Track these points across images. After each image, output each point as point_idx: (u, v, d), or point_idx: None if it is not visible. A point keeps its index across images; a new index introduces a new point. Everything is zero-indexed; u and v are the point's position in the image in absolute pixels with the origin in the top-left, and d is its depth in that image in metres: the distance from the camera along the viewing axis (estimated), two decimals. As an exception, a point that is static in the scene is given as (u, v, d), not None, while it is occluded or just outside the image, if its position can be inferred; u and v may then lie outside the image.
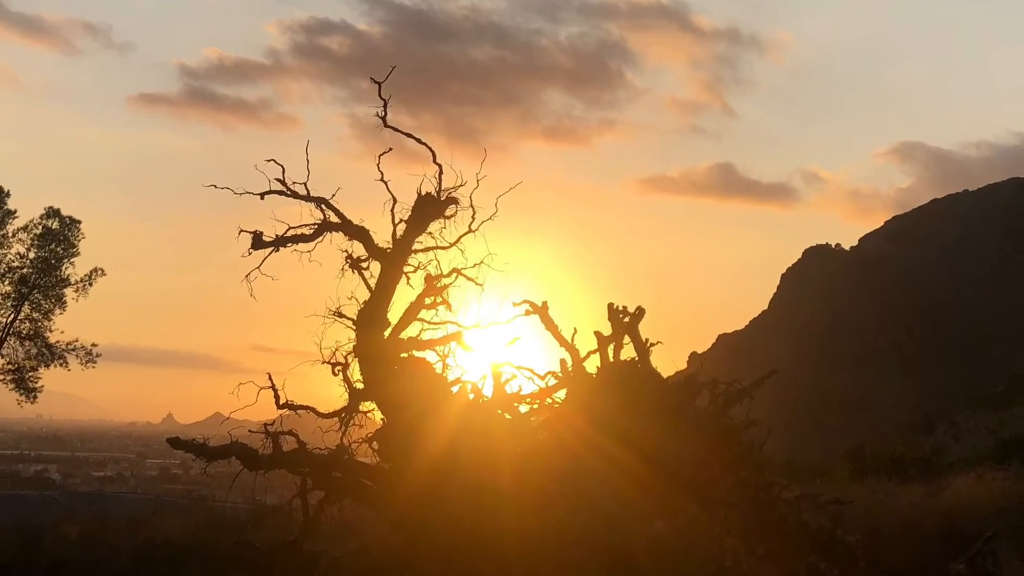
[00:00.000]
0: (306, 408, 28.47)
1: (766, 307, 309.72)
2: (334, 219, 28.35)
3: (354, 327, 27.86)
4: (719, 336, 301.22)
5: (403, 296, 28.67)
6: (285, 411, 28.03)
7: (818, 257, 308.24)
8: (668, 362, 32.71)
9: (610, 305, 31.25)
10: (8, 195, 66.90)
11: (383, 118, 28.40)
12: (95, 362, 68.08)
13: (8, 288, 66.43)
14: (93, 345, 67.63)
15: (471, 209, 28.64)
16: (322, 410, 28.60)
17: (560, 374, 30.10)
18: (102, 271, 68.83)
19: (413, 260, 28.59)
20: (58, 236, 67.27)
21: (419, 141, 28.61)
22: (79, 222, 68.25)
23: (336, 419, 28.49)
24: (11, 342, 66.00)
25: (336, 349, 28.01)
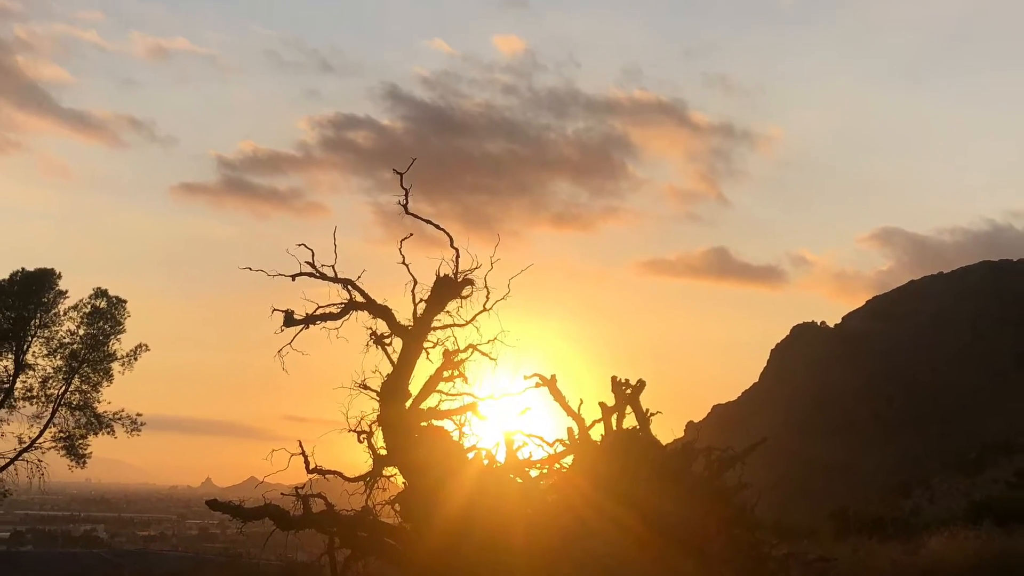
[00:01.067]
0: (334, 473, 28.49)
1: (757, 380, 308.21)
2: (359, 299, 28.55)
3: (378, 398, 28.00)
4: (714, 406, 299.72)
5: (423, 370, 28.83)
6: (314, 475, 28.17)
7: (805, 334, 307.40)
8: (667, 430, 32.75)
9: (613, 378, 31.42)
10: (59, 277, 67.27)
11: (404, 206, 28.70)
12: (140, 430, 67.91)
13: (60, 362, 66.50)
14: (138, 415, 67.59)
15: (485, 289, 28.87)
16: (348, 475, 28.60)
17: (567, 441, 30.24)
18: (146, 346, 69.00)
19: (432, 336, 28.73)
20: (106, 314, 67.42)
21: (437, 227, 28.97)
22: (125, 301, 68.42)
23: (361, 483, 28.51)
24: (63, 412, 65.85)
25: (361, 418, 28.14)
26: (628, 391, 31.11)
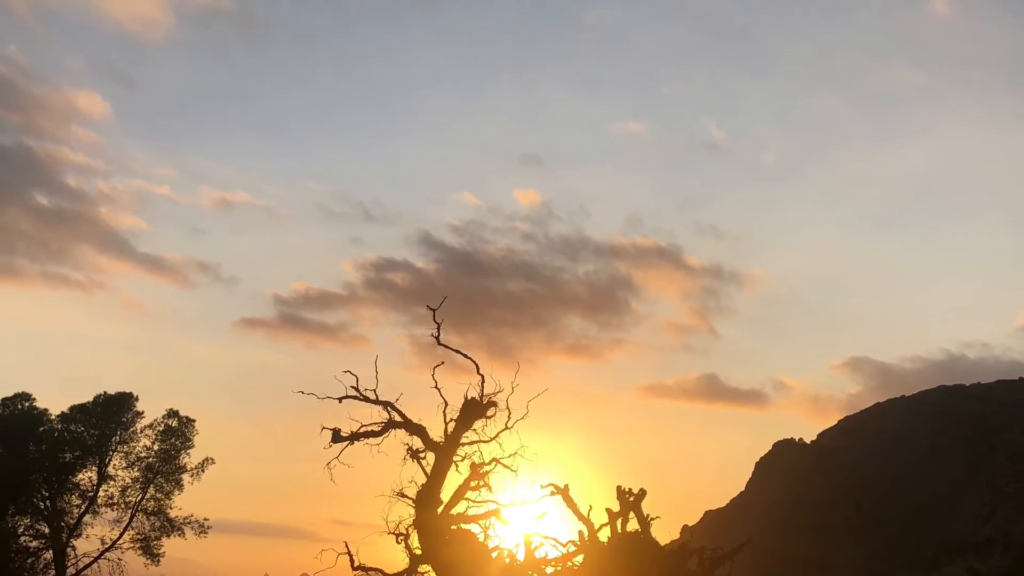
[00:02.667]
0: (375, 570, 28.11)
1: (743, 488, 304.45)
2: (398, 419, 28.67)
3: (413, 505, 27.90)
4: (705, 512, 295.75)
5: (453, 480, 28.88)
6: (358, 573, 27.83)
7: (785, 449, 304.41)
8: (665, 533, 32.51)
9: (618, 487, 31.33)
10: (137, 399, 67.78)
11: (437, 338, 28.97)
12: (207, 533, 67.80)
13: (137, 474, 66.59)
14: (205, 519, 67.62)
15: (507, 410, 29.02)
16: (388, 571, 28.33)
17: (578, 543, 30.05)
18: (212, 460, 69.11)
19: (461, 451, 28.81)
20: (177, 432, 67.94)
21: (465, 356, 29.19)
22: (194, 421, 68.94)
23: (399, 579, 28.34)
24: (140, 517, 66.00)
25: (399, 522, 28.02)
26: (631, 499, 31.00)
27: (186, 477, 67.90)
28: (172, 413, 68.62)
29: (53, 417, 66.37)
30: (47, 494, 64.97)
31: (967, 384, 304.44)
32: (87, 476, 66.27)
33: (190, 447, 68.10)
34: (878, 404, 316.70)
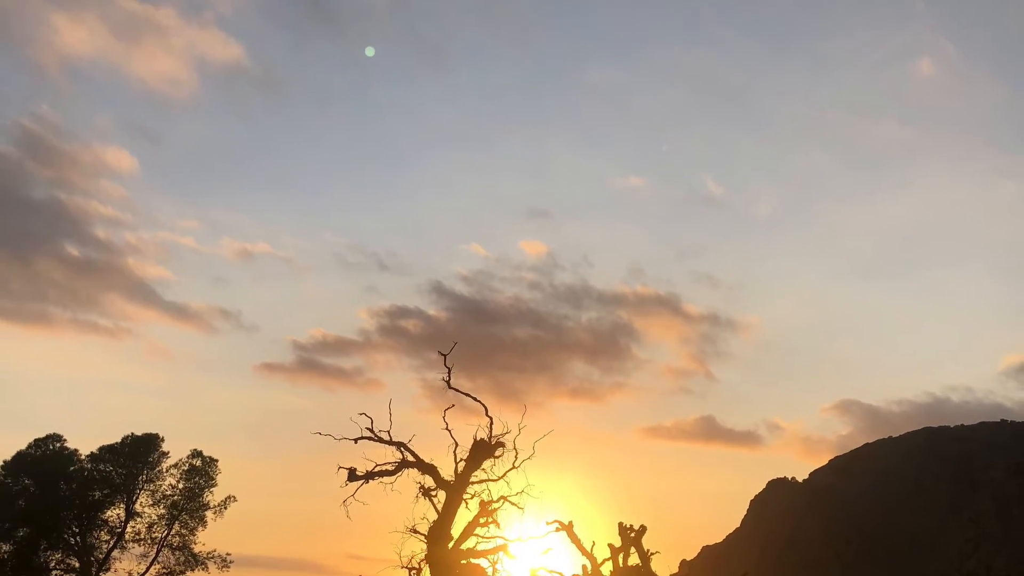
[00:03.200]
0: None
1: (739, 525, 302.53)
2: (410, 458, 28.67)
3: (426, 541, 27.71)
4: (703, 547, 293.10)
5: (463, 517, 28.67)
6: (373, 604, 27.50)
7: (778, 487, 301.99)
8: (665, 567, 32.38)
9: (620, 524, 31.16)
10: (163, 440, 67.57)
11: (447, 382, 28.93)
12: (229, 567, 67.51)
13: (163, 511, 66.34)
14: (228, 554, 67.26)
15: (515, 450, 29.02)
16: (401, 605, 27.98)
17: (582, 576, 29.84)
18: (234, 498, 68.83)
19: (470, 489, 28.74)
20: (201, 471, 67.66)
21: (475, 399, 29.13)
22: (216, 461, 68.89)
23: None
24: (165, 552, 65.97)
25: (412, 557, 27.80)
26: (632, 534, 30.83)
27: (209, 514, 67.81)
28: (196, 453, 68.64)
29: (83, 457, 66.18)
30: (77, 530, 64.93)
31: (951, 426, 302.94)
32: (115, 513, 66.17)
33: (213, 485, 68.14)
34: (867, 444, 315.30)
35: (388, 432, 28.58)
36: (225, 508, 68.07)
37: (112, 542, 65.42)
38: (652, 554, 31.15)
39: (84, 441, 70.06)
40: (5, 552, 62.44)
